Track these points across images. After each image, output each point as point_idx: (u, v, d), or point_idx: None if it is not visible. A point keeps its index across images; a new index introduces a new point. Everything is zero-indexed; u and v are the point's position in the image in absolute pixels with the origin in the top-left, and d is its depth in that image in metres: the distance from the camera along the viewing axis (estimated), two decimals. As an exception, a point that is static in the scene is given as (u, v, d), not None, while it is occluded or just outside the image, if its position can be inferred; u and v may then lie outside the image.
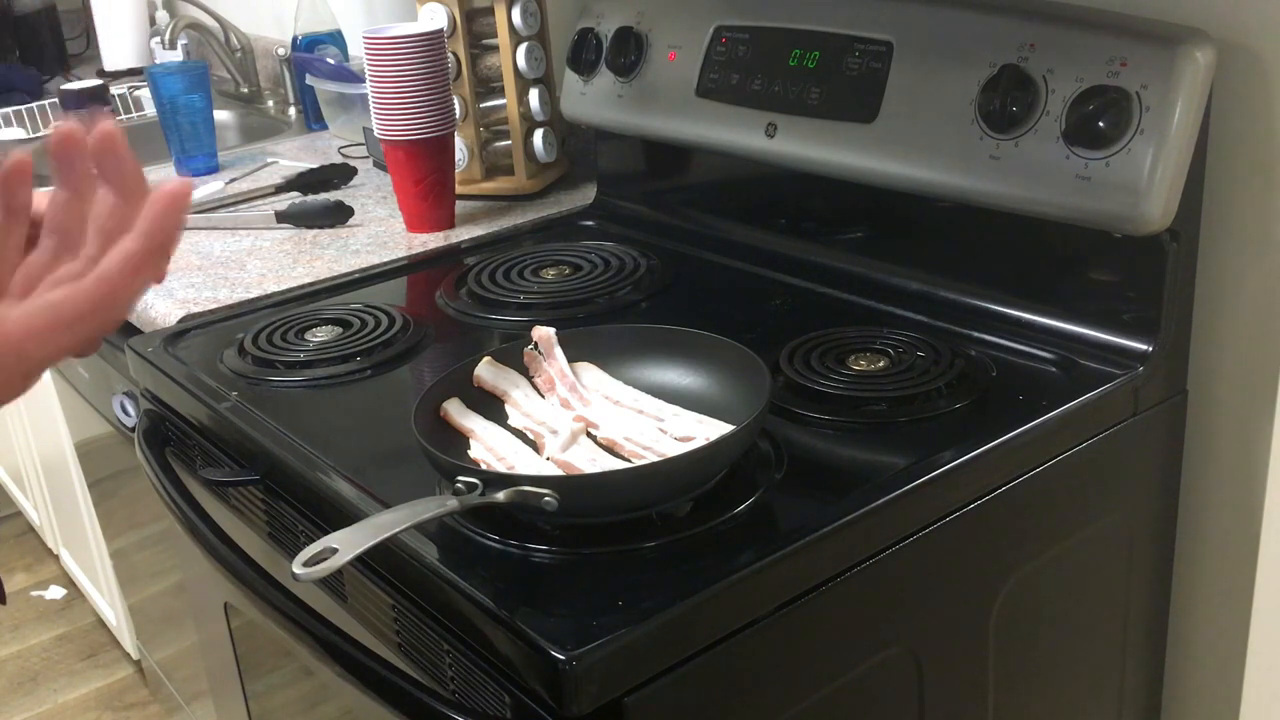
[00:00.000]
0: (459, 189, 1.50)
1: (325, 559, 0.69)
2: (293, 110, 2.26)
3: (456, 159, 1.49)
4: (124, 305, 0.54)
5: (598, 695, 0.69)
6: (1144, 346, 0.99)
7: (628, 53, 1.32)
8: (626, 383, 0.95)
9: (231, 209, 1.63)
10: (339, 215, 1.52)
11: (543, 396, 0.94)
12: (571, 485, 0.78)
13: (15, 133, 2.32)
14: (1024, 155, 0.99)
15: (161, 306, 1.28)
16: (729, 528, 0.79)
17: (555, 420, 0.90)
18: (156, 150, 1.87)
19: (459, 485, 0.76)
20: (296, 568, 0.68)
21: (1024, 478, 0.91)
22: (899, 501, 0.82)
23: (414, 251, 1.40)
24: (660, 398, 0.92)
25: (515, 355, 0.96)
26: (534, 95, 1.52)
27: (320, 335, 1.14)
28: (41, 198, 0.58)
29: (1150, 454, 1.05)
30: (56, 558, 2.47)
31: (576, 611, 0.73)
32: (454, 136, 1.45)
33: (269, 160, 1.88)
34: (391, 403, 1.04)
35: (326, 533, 0.71)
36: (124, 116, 2.35)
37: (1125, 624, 1.09)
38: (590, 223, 1.45)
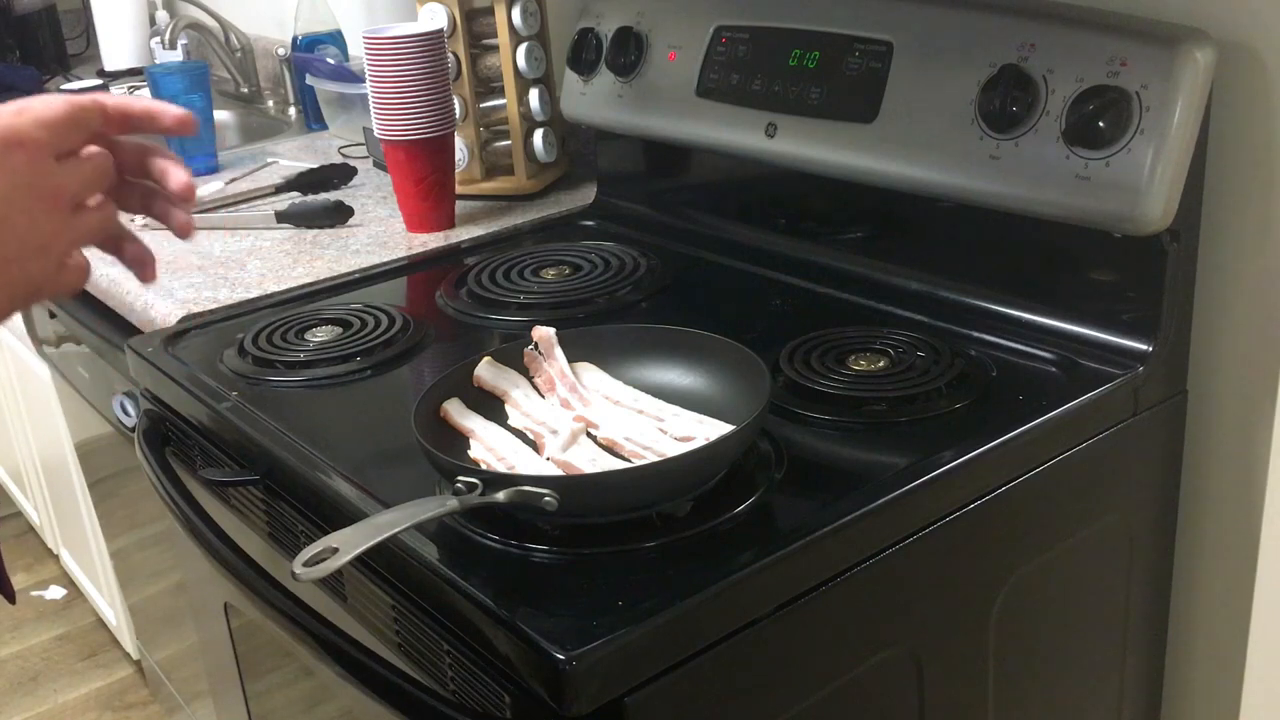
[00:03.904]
0: (459, 189, 1.50)
1: (325, 559, 0.69)
2: (293, 110, 2.25)
3: (456, 159, 1.49)
4: None
5: (598, 695, 0.69)
6: (1144, 346, 0.99)
7: (628, 53, 1.32)
8: (626, 383, 0.95)
9: (231, 209, 1.63)
10: (339, 215, 1.52)
11: (543, 396, 0.94)
12: (571, 485, 0.78)
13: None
14: (1024, 155, 0.99)
15: (161, 306, 1.28)
16: (729, 528, 0.79)
17: (555, 420, 0.90)
18: (156, 150, 1.87)
19: (459, 485, 0.76)
20: (296, 568, 0.68)
21: (1024, 478, 0.91)
22: (899, 501, 0.82)
23: (414, 251, 1.40)
24: (660, 398, 0.92)
25: (515, 355, 0.96)
26: (534, 95, 1.52)
27: (320, 335, 1.14)
28: None
29: (1150, 454, 1.05)
30: (56, 558, 2.47)
31: (576, 611, 0.73)
32: (454, 136, 1.45)
33: (269, 160, 1.87)
34: (391, 403, 1.04)
35: (326, 533, 0.71)
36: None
37: (1125, 624, 1.09)
38: (590, 223, 1.45)
